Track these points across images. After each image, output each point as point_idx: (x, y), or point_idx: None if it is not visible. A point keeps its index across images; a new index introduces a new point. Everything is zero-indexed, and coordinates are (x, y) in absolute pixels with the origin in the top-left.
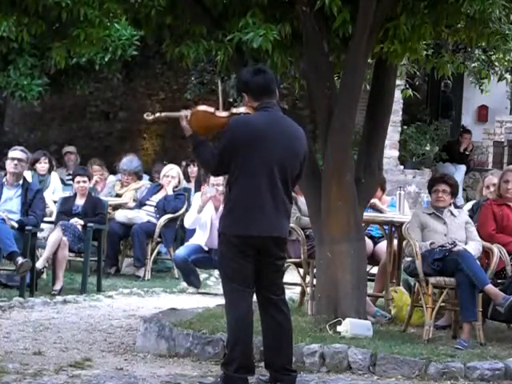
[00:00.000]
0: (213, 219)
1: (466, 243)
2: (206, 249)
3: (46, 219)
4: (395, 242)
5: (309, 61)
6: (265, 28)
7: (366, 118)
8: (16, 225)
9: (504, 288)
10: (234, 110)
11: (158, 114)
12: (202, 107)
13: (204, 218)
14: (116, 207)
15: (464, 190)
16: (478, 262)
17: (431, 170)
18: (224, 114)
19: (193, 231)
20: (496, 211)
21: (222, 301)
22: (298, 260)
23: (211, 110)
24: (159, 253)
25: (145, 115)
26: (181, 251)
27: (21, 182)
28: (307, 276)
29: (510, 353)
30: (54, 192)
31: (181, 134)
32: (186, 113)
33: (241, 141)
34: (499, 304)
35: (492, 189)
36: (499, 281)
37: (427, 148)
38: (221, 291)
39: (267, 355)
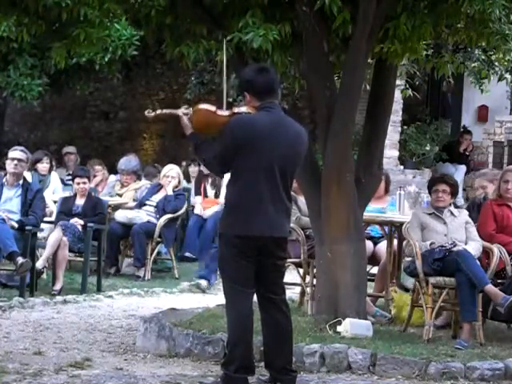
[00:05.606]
0: None
1: (466, 243)
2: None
3: (46, 219)
4: (395, 242)
5: (309, 61)
6: (265, 28)
7: (365, 118)
8: (16, 225)
9: (504, 288)
10: (236, 110)
11: (159, 111)
12: (203, 105)
13: None
14: (116, 207)
15: (464, 190)
16: (478, 262)
17: (431, 169)
18: (225, 113)
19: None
20: (496, 211)
21: (222, 301)
22: (297, 260)
23: (213, 108)
24: (159, 253)
25: (146, 112)
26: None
27: (21, 182)
28: (307, 276)
29: (510, 353)
30: (54, 192)
31: (181, 133)
32: (186, 110)
33: (242, 140)
34: (499, 304)
35: (482, 190)
36: (499, 281)
37: (427, 148)
38: (221, 291)
39: (267, 355)
